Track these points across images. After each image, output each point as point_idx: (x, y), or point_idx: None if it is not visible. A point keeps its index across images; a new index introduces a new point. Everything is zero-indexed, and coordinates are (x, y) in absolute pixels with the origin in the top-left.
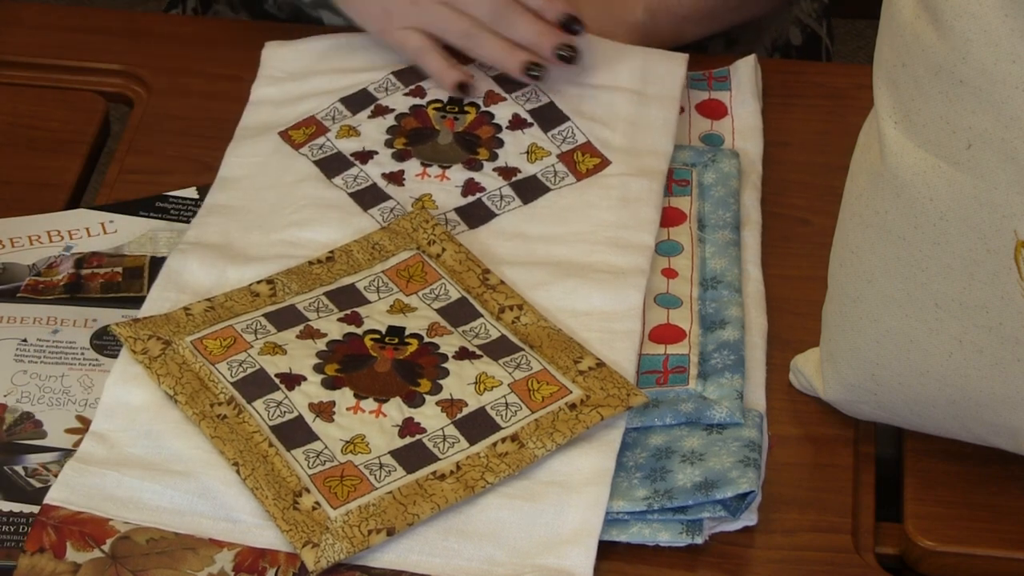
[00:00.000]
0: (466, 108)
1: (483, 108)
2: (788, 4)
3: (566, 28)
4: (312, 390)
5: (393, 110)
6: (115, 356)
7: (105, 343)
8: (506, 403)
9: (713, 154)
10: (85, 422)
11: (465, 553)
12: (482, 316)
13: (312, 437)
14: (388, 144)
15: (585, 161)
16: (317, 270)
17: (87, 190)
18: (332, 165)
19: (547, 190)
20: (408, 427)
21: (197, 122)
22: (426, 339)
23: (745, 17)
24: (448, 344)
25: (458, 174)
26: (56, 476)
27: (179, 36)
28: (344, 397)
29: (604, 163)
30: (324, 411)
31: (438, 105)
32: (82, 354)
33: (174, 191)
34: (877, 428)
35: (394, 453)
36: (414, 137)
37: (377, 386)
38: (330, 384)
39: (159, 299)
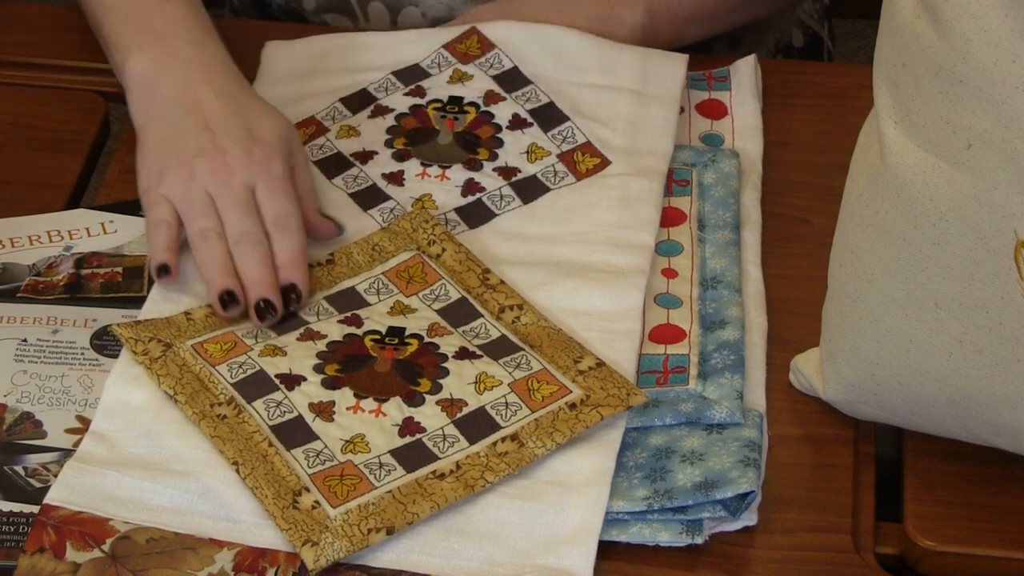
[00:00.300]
0: (466, 108)
1: (483, 108)
2: (790, 6)
3: (285, 295)
4: (312, 390)
5: (393, 110)
6: (115, 356)
7: (105, 343)
8: (506, 403)
9: (713, 154)
10: (85, 422)
11: (465, 553)
12: (482, 316)
13: (312, 437)
14: (388, 144)
15: (585, 161)
16: (318, 272)
17: (87, 190)
18: (332, 165)
19: (547, 190)
20: (408, 426)
21: None
22: (426, 339)
23: (746, 19)
24: (448, 344)
25: (458, 174)
26: (56, 476)
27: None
28: (344, 397)
29: (604, 163)
30: (324, 411)
31: (438, 105)
32: (82, 354)
33: None
34: (877, 428)
35: (394, 452)
36: (414, 137)
37: (377, 386)
38: (330, 384)
39: (159, 299)
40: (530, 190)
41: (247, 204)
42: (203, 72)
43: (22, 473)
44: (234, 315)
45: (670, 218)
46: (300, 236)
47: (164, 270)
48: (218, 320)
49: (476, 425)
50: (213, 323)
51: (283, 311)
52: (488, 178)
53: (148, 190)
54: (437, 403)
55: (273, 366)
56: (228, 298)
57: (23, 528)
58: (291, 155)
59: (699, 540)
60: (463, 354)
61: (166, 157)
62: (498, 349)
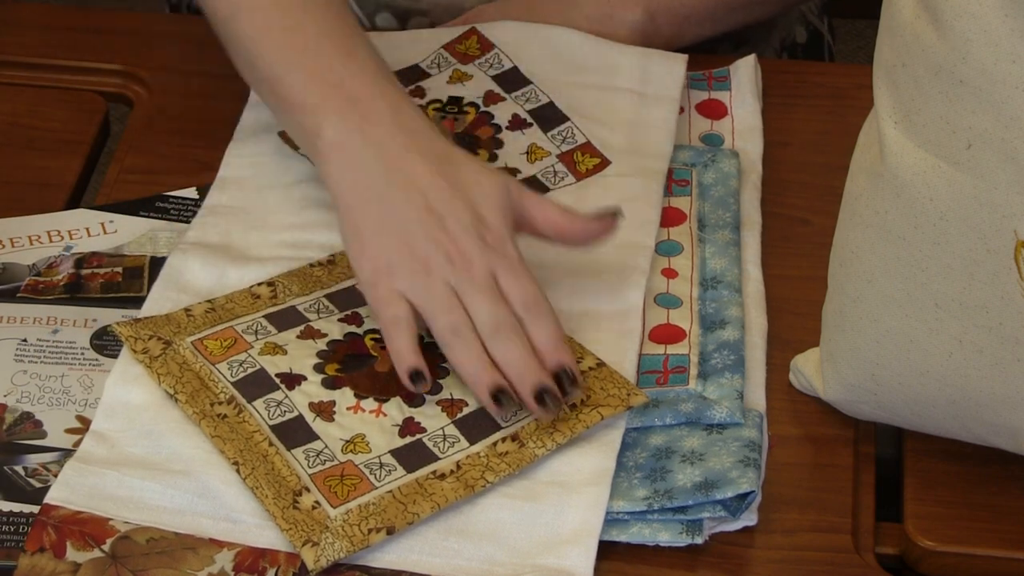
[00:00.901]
0: (465, 109)
1: (482, 108)
2: (791, 7)
3: (558, 381)
4: (312, 389)
5: None
6: (115, 356)
7: (105, 343)
8: None
9: (713, 154)
10: (85, 422)
11: (465, 553)
12: None
13: (312, 436)
14: None
15: (585, 161)
16: (318, 272)
17: (87, 190)
18: None
19: (547, 190)
20: (408, 426)
21: (197, 122)
22: (426, 339)
23: (746, 20)
24: None
25: None
26: (56, 476)
27: (179, 36)
28: (344, 397)
29: (604, 163)
30: (324, 410)
31: (437, 105)
32: (82, 354)
33: (174, 191)
34: (877, 428)
35: (394, 452)
36: None
37: (377, 385)
38: (330, 384)
39: (159, 299)
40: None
41: (494, 292)
42: (409, 138)
43: (22, 473)
44: (509, 411)
45: (670, 218)
46: (554, 317)
47: (419, 377)
48: (218, 316)
49: (476, 425)
50: (212, 319)
51: (560, 396)
52: None
53: (377, 285)
54: (437, 403)
55: (273, 365)
56: (502, 395)
57: (23, 528)
58: (518, 212)
59: (699, 540)
60: None
61: (392, 248)
62: None
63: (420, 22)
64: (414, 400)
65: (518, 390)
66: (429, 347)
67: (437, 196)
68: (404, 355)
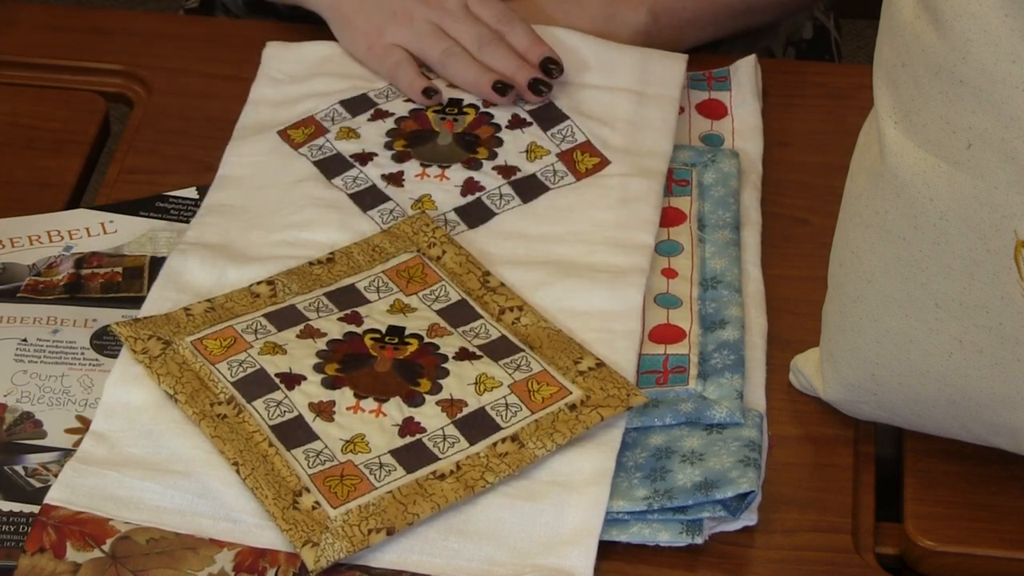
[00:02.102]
0: (465, 109)
1: (482, 108)
2: (791, 13)
3: (544, 69)
4: (312, 390)
5: (393, 114)
6: (115, 356)
7: (105, 343)
8: (506, 404)
9: (713, 154)
10: (85, 422)
11: (465, 553)
12: (482, 317)
13: (312, 437)
14: (388, 146)
15: (584, 160)
16: (317, 271)
17: (87, 190)
18: (331, 166)
19: (546, 189)
20: (408, 427)
21: (197, 122)
22: (426, 339)
23: (747, 25)
24: (448, 345)
25: (457, 173)
26: (56, 476)
27: (179, 36)
28: (344, 397)
29: (603, 163)
30: (324, 411)
31: (437, 107)
32: (82, 354)
33: (174, 191)
34: (877, 428)
35: (394, 453)
36: (413, 139)
37: (377, 386)
38: (330, 384)
39: (159, 299)
40: (530, 189)
41: (469, 16)
42: None
43: (22, 473)
44: (509, 100)
45: (670, 218)
46: (526, 24)
47: (432, 90)
48: (217, 315)
49: (476, 426)
50: (212, 318)
51: (552, 82)
52: (487, 177)
53: (372, 47)
54: (437, 403)
55: (273, 365)
56: (501, 85)
57: (23, 528)
58: None
59: (699, 540)
60: (463, 355)
61: (375, 14)
62: (498, 350)
63: None
64: (414, 400)
65: (515, 84)
66: (427, 347)
67: None
68: (414, 82)
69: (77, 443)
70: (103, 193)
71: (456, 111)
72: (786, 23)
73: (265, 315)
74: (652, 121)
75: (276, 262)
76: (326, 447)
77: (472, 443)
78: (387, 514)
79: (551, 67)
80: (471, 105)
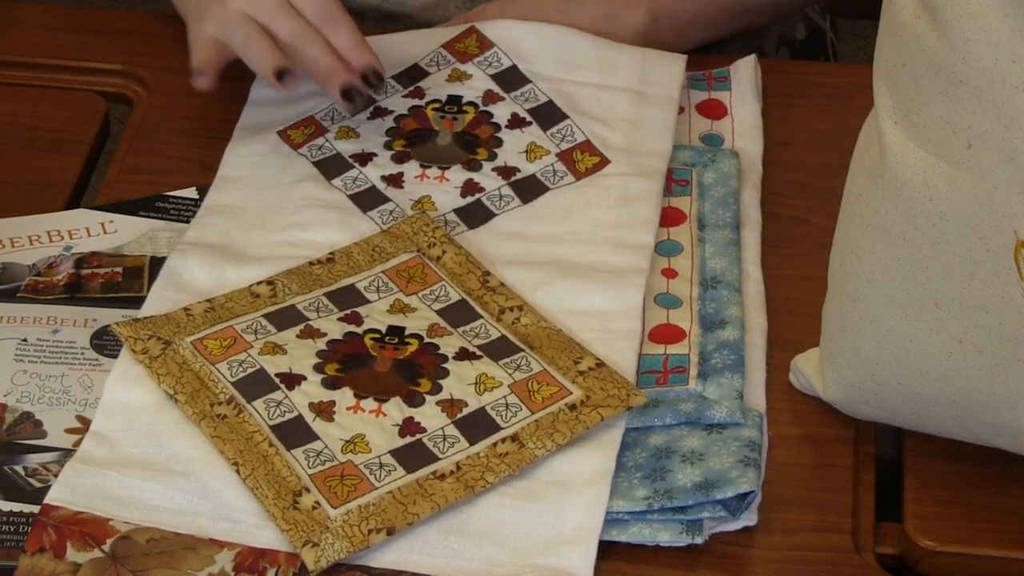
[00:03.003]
0: (465, 108)
1: (482, 108)
2: (790, 14)
3: (365, 79)
4: (312, 390)
5: (392, 112)
6: (115, 356)
7: (105, 343)
8: (506, 404)
9: (713, 154)
10: (85, 422)
11: (465, 553)
12: (482, 317)
13: (312, 437)
14: (387, 146)
15: (584, 160)
16: (317, 271)
17: (87, 190)
18: (331, 167)
19: (546, 189)
20: (408, 427)
21: (197, 122)
22: (426, 339)
23: (745, 27)
24: (448, 345)
25: (457, 174)
26: (56, 476)
27: (179, 36)
28: (344, 397)
29: (603, 162)
30: (324, 411)
31: (436, 105)
32: (82, 354)
33: (174, 191)
34: (877, 428)
35: (394, 453)
36: (413, 138)
37: (377, 386)
38: (330, 384)
39: (159, 299)
40: (529, 190)
41: (285, 9)
42: None
43: (22, 473)
44: (290, 88)
45: (670, 218)
46: (350, 22)
47: (282, 75)
48: (217, 315)
49: (476, 426)
50: (212, 319)
51: (367, 93)
52: (487, 178)
53: (195, 39)
54: (437, 403)
55: (273, 365)
56: (282, 73)
57: (23, 528)
58: None
59: (699, 540)
60: (463, 355)
61: (197, 3)
62: (498, 350)
63: (407, 26)
64: (414, 400)
65: (328, 90)
66: (427, 347)
67: None
68: (265, 56)
69: (77, 443)
70: (103, 193)
71: (455, 109)
72: (778, 24)
73: (265, 315)
74: (652, 121)
75: (276, 262)
76: (326, 447)
77: (472, 443)
78: (387, 514)
79: (370, 76)
80: (470, 103)
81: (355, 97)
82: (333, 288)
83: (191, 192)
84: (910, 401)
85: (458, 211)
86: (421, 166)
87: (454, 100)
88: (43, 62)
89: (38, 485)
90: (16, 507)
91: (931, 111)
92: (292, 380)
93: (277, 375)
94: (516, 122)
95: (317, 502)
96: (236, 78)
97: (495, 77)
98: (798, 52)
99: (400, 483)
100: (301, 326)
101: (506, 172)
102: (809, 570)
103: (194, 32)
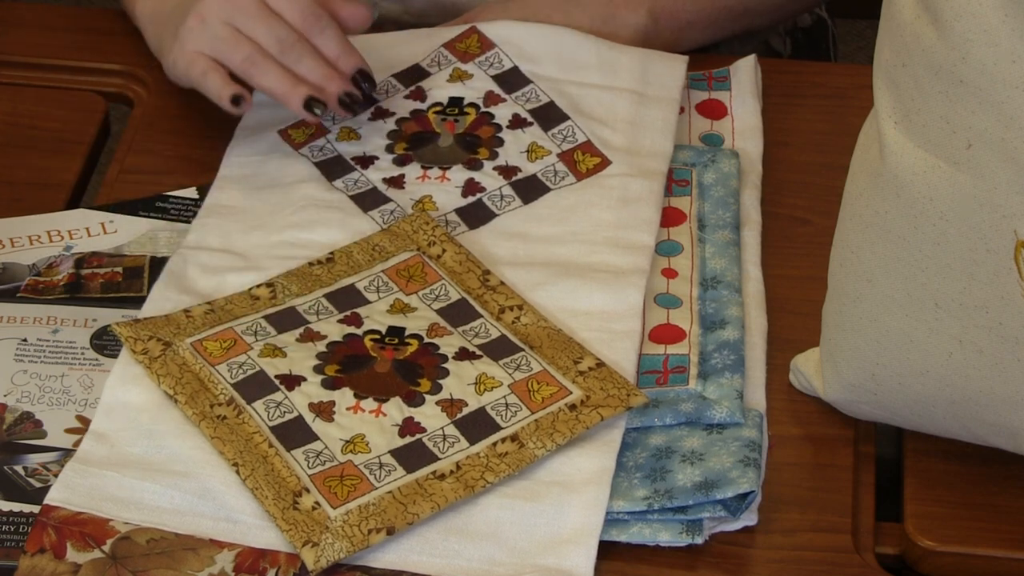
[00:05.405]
0: (466, 109)
1: (483, 109)
2: (790, 16)
3: (356, 84)
4: (312, 390)
5: (394, 113)
6: (115, 356)
7: (105, 343)
8: (506, 404)
9: (713, 154)
10: (85, 422)
11: (465, 553)
12: (482, 316)
13: (312, 437)
14: (389, 149)
15: (585, 160)
16: (317, 271)
17: (87, 190)
18: (332, 168)
19: (547, 190)
20: (408, 427)
21: (197, 122)
22: (426, 339)
23: (746, 28)
24: (448, 345)
25: (458, 174)
26: (56, 476)
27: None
28: (344, 397)
29: (604, 163)
30: (324, 411)
31: (438, 108)
32: (82, 354)
33: (174, 191)
34: (877, 428)
35: (394, 453)
36: (415, 141)
37: (377, 386)
38: (330, 384)
39: (160, 299)
40: (530, 190)
41: (264, 14)
42: None
43: (22, 473)
44: (320, 117)
45: (670, 218)
46: (335, 26)
47: (237, 99)
48: (217, 317)
49: (476, 425)
50: (212, 320)
51: (363, 98)
52: (488, 178)
53: (176, 60)
54: (437, 403)
55: (273, 367)
56: (313, 103)
57: (23, 528)
58: None
59: (699, 540)
60: (463, 355)
61: (173, 22)
62: (498, 350)
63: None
64: (414, 400)
65: (324, 97)
66: (427, 347)
67: None
68: (222, 92)
69: (77, 443)
70: (103, 193)
71: (457, 111)
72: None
73: (265, 317)
74: (653, 121)
75: (276, 262)
76: (326, 447)
77: (472, 443)
78: (387, 514)
79: (364, 83)
80: (472, 104)
81: (351, 104)
82: (333, 289)
83: (191, 192)
84: (910, 401)
85: (459, 211)
86: (422, 167)
87: (455, 102)
88: (43, 62)
89: (38, 485)
90: (16, 507)
91: (931, 111)
92: (292, 381)
93: (277, 376)
94: (517, 122)
95: (317, 502)
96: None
97: (496, 78)
98: (801, 42)
99: (400, 483)
100: (301, 329)
101: (507, 172)
102: (809, 570)
103: (175, 53)
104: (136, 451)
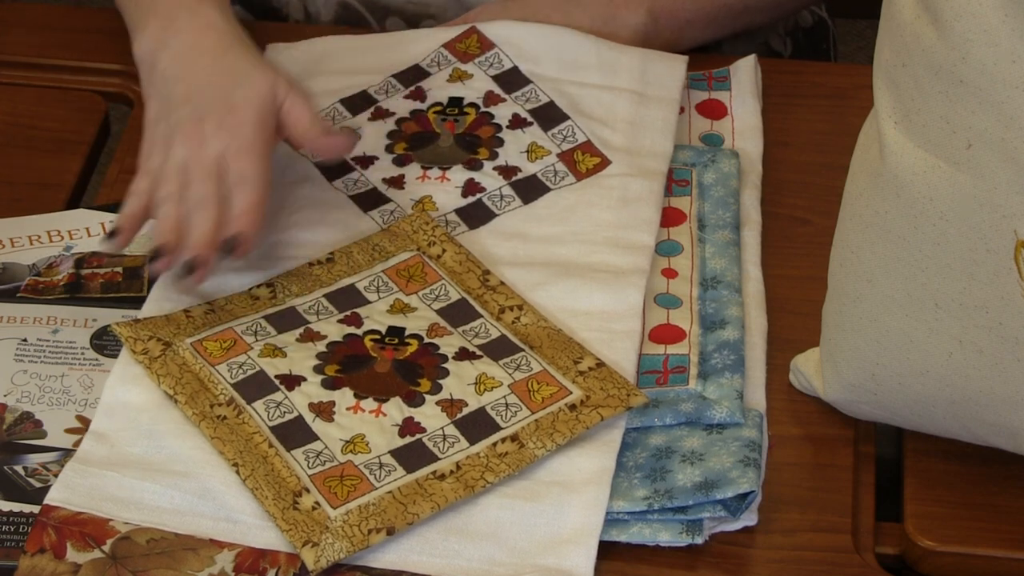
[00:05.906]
0: (466, 109)
1: (483, 109)
2: (790, 14)
3: (224, 244)
4: (312, 390)
5: (393, 113)
6: (115, 356)
7: (105, 343)
8: (506, 404)
9: (713, 154)
10: (85, 422)
11: (465, 553)
12: (482, 316)
13: (312, 437)
14: (389, 149)
15: (585, 160)
16: (317, 271)
17: (87, 190)
18: (332, 168)
19: (547, 190)
20: (408, 426)
21: None
22: (426, 339)
23: (746, 26)
24: (448, 345)
25: (458, 174)
26: (56, 476)
27: None
28: (344, 397)
29: (604, 163)
30: (324, 411)
31: (438, 108)
32: (82, 354)
33: None
34: (877, 428)
35: (394, 453)
36: (415, 141)
37: (377, 386)
38: (330, 384)
39: (160, 299)
40: (530, 190)
41: (210, 171)
42: (196, 37)
43: (22, 473)
44: (159, 270)
45: (670, 218)
46: (256, 191)
47: (113, 233)
48: (217, 317)
49: (476, 425)
50: (212, 320)
51: (210, 265)
52: (488, 178)
53: (139, 167)
54: (437, 403)
55: (273, 367)
56: (155, 253)
57: (23, 528)
58: (274, 112)
59: (699, 540)
60: (463, 355)
61: (156, 135)
62: (498, 350)
63: (429, 25)
64: (414, 400)
65: (182, 255)
66: (427, 347)
67: (200, 85)
68: (119, 218)
69: (77, 443)
70: (103, 193)
71: (457, 111)
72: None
73: (265, 317)
74: (653, 122)
75: (276, 262)
76: (326, 447)
77: (472, 443)
78: (387, 514)
79: (229, 243)
80: (472, 104)
81: (189, 271)
82: (333, 289)
83: None
84: (910, 401)
85: (459, 211)
86: (422, 167)
87: (455, 102)
88: (43, 62)
89: (38, 485)
90: (16, 507)
91: (931, 111)
92: (292, 381)
93: (277, 376)
94: (517, 122)
95: (317, 502)
96: None
97: (496, 78)
98: (802, 42)
99: (400, 483)
100: (301, 329)
101: (507, 172)
102: (809, 570)
103: (140, 160)
104: (136, 451)
